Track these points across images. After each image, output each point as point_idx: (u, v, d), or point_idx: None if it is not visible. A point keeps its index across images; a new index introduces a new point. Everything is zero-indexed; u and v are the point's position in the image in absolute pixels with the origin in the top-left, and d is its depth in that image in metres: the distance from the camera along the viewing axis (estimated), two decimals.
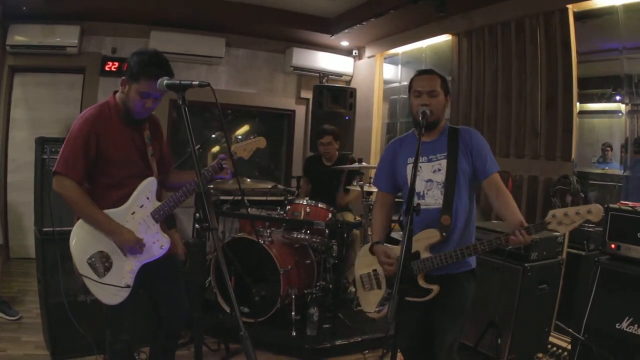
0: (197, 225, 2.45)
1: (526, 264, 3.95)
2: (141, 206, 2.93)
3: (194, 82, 2.34)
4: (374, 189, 5.40)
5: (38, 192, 4.12)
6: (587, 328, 3.62)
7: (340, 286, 5.26)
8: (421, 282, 2.85)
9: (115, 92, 2.98)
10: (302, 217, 5.11)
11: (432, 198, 2.92)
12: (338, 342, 4.68)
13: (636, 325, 3.36)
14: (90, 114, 2.86)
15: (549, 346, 4.36)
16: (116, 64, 7.38)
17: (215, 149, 8.51)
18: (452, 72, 6.46)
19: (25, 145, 6.63)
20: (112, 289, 2.81)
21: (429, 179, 2.93)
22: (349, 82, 8.85)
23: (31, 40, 6.83)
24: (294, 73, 8.63)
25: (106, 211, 2.84)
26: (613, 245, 3.60)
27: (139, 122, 3.00)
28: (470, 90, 6.18)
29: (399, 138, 3.22)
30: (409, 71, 7.83)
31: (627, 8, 4.69)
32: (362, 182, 5.28)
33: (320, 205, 5.17)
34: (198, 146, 2.29)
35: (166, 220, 3.05)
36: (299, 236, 5.13)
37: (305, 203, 5.19)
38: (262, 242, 4.91)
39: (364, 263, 3.16)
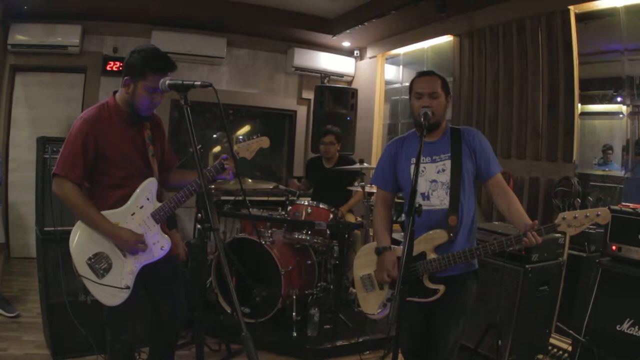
0: (199, 226, 2.45)
1: (527, 266, 3.94)
2: (141, 207, 2.92)
3: (196, 83, 2.35)
4: (375, 190, 5.42)
5: (39, 192, 4.13)
6: (588, 329, 3.63)
7: (341, 287, 5.25)
8: (427, 283, 2.85)
9: (115, 92, 2.97)
10: (303, 218, 5.11)
11: (437, 199, 2.91)
12: (339, 343, 4.68)
13: (637, 327, 3.36)
14: (88, 115, 2.85)
15: (550, 348, 4.35)
16: (117, 63, 7.37)
17: (217, 148, 8.53)
18: (454, 73, 6.46)
19: (27, 145, 6.64)
20: (111, 290, 2.80)
21: (434, 179, 2.93)
22: (350, 82, 8.85)
23: (32, 39, 6.83)
24: (295, 73, 8.62)
25: (105, 212, 2.83)
26: (614, 247, 3.61)
27: (142, 121, 3.00)
28: (471, 91, 6.18)
29: (400, 137, 3.21)
30: (411, 72, 7.83)
31: (628, 9, 4.69)
32: (363, 183, 5.28)
33: (321, 205, 5.17)
34: (199, 146, 2.29)
35: (167, 221, 3.05)
36: (300, 237, 5.12)
37: (306, 204, 5.20)
38: (263, 242, 4.91)
39: (364, 263, 3.13)
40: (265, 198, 6.42)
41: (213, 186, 4.95)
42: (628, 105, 4.95)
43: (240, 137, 3.17)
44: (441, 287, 2.83)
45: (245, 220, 5.58)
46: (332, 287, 5.26)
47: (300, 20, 7.61)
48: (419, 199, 2.87)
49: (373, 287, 3.09)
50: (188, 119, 2.29)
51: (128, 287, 2.83)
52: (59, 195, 2.80)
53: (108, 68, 7.39)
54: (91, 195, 2.86)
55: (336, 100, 7.64)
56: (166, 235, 3.00)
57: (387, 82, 8.31)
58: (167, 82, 2.52)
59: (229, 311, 4.94)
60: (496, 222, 4.87)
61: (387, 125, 8.31)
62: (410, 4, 5.92)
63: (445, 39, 6.79)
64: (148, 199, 2.95)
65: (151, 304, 3.15)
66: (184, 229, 7.27)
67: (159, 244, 2.95)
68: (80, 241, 2.82)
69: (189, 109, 2.31)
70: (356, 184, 5.43)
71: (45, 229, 4.04)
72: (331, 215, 5.15)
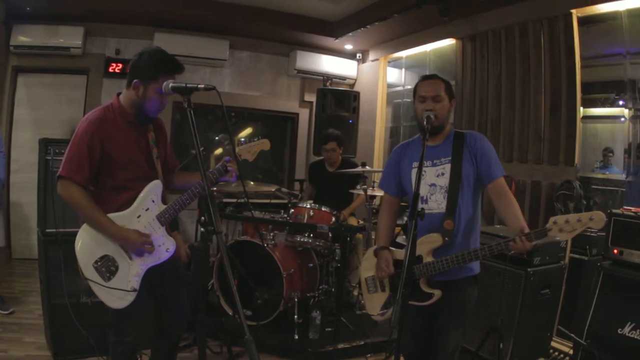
0: (202, 229, 2.46)
1: (529, 269, 3.93)
2: (147, 209, 2.91)
3: (199, 85, 2.35)
4: (378, 193, 5.44)
5: (41, 194, 4.13)
6: (589, 333, 3.62)
7: (343, 290, 5.26)
8: (423, 287, 2.85)
9: (119, 93, 2.96)
10: (305, 221, 5.12)
11: (435, 202, 2.92)
12: (340, 346, 4.69)
13: (638, 331, 3.36)
14: (94, 117, 2.83)
15: (551, 351, 4.35)
16: (120, 65, 7.40)
17: (218, 151, 8.54)
18: (456, 76, 6.46)
19: (28, 146, 6.64)
20: (118, 292, 2.79)
21: (433, 183, 2.94)
22: (352, 85, 8.86)
23: (35, 40, 6.85)
24: (297, 76, 8.64)
25: (111, 215, 2.81)
26: (615, 251, 3.61)
27: (148, 123, 3.00)
28: (473, 94, 6.18)
29: (405, 142, 3.24)
30: (413, 75, 7.84)
31: (631, 13, 4.70)
32: (365, 186, 5.28)
33: (323, 208, 5.19)
34: (202, 148, 2.29)
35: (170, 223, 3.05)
36: (302, 239, 5.12)
37: (308, 207, 5.20)
38: (265, 245, 4.91)
39: (369, 266, 3.16)
40: (267, 200, 6.43)
41: (215, 188, 4.95)
42: (630, 109, 4.94)
43: (242, 139, 3.17)
44: (436, 292, 2.83)
45: (248, 222, 5.57)
46: (333, 290, 5.26)
47: (303, 22, 7.63)
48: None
49: (376, 289, 3.12)
50: (191, 122, 2.29)
51: (135, 290, 2.83)
52: (64, 197, 2.78)
53: (110, 70, 7.41)
54: (96, 198, 2.83)
55: (338, 103, 7.66)
56: (171, 238, 2.99)
57: (390, 85, 8.32)
58: (171, 84, 2.52)
59: (230, 313, 4.94)
60: (497, 226, 4.86)
61: (389, 128, 8.31)
62: (413, 7, 5.93)
63: (448, 42, 6.80)
64: (153, 202, 2.94)
65: (154, 305, 3.15)
66: (185, 231, 7.28)
67: (164, 246, 2.95)
68: (86, 244, 2.81)
69: (192, 111, 2.31)
70: (358, 187, 5.44)
71: (47, 230, 4.04)
72: (333, 218, 5.16)
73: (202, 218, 2.40)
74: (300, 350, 4.61)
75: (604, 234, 3.74)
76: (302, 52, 8.36)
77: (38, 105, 7.33)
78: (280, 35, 8.07)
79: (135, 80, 2.82)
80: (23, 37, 6.83)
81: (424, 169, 2.88)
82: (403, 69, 8.07)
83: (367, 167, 5.69)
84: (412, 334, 2.97)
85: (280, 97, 8.76)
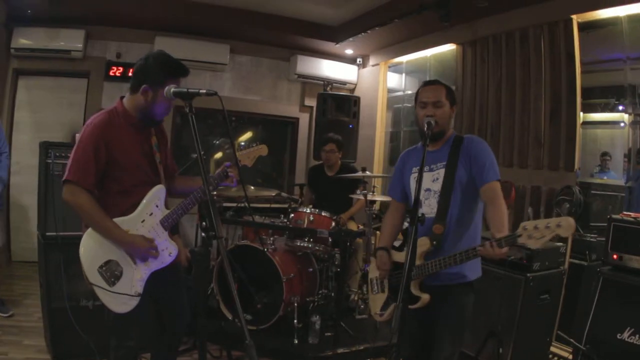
0: (202, 234, 2.44)
1: (528, 274, 3.93)
2: (150, 214, 2.91)
3: (201, 91, 2.34)
4: (377, 198, 5.44)
5: (42, 197, 4.12)
6: (589, 338, 3.63)
7: (343, 294, 5.25)
8: (413, 290, 2.85)
9: (122, 97, 2.95)
10: (305, 225, 5.12)
11: (428, 207, 2.94)
12: (340, 351, 4.67)
13: (637, 336, 3.36)
14: (99, 120, 2.81)
15: (550, 356, 4.35)
16: (121, 68, 7.41)
17: (218, 155, 8.53)
18: (456, 81, 6.48)
19: (29, 148, 6.64)
20: (122, 297, 2.78)
21: (428, 188, 2.96)
22: (352, 90, 8.87)
23: (36, 43, 6.86)
24: (298, 80, 8.64)
25: (116, 220, 2.80)
26: (615, 256, 3.61)
27: (154, 126, 3.01)
28: (474, 99, 6.20)
29: (410, 148, 3.28)
30: (413, 80, 7.85)
31: (631, 19, 4.71)
32: (365, 191, 5.29)
33: (323, 213, 5.19)
34: (203, 153, 2.29)
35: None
36: (302, 244, 5.13)
37: (308, 211, 5.21)
38: (265, 249, 4.91)
39: (375, 267, 3.21)
40: (267, 205, 6.43)
41: (215, 193, 4.95)
42: (630, 114, 4.97)
43: (242, 143, 3.18)
44: (424, 296, 2.83)
45: (248, 227, 5.57)
46: (333, 294, 5.25)
47: (303, 27, 7.64)
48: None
49: (378, 290, 3.18)
50: (193, 127, 2.29)
51: (139, 294, 2.82)
52: (70, 202, 2.75)
53: (111, 73, 7.42)
54: (101, 203, 2.80)
55: (338, 107, 7.67)
56: (173, 242, 2.99)
57: (390, 90, 8.32)
58: (172, 89, 2.52)
59: (230, 318, 4.94)
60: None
61: (390, 133, 8.32)
62: (414, 12, 5.94)
63: (448, 48, 6.81)
64: (157, 206, 2.93)
65: (154, 309, 3.15)
66: (185, 235, 7.26)
67: (167, 251, 2.94)
68: (90, 249, 2.79)
69: (194, 116, 2.32)
70: (358, 192, 5.44)
71: (47, 233, 4.04)
72: (333, 223, 5.17)
73: (203, 223, 2.39)
74: (300, 354, 4.60)
75: (603, 239, 3.75)
76: (302, 57, 8.37)
77: (38, 108, 7.33)
78: (280, 40, 8.08)
79: (144, 86, 2.80)
80: (24, 39, 6.83)
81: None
82: (403, 74, 8.08)
83: (368, 172, 5.70)
84: (409, 337, 2.96)
85: (280, 101, 8.76)
